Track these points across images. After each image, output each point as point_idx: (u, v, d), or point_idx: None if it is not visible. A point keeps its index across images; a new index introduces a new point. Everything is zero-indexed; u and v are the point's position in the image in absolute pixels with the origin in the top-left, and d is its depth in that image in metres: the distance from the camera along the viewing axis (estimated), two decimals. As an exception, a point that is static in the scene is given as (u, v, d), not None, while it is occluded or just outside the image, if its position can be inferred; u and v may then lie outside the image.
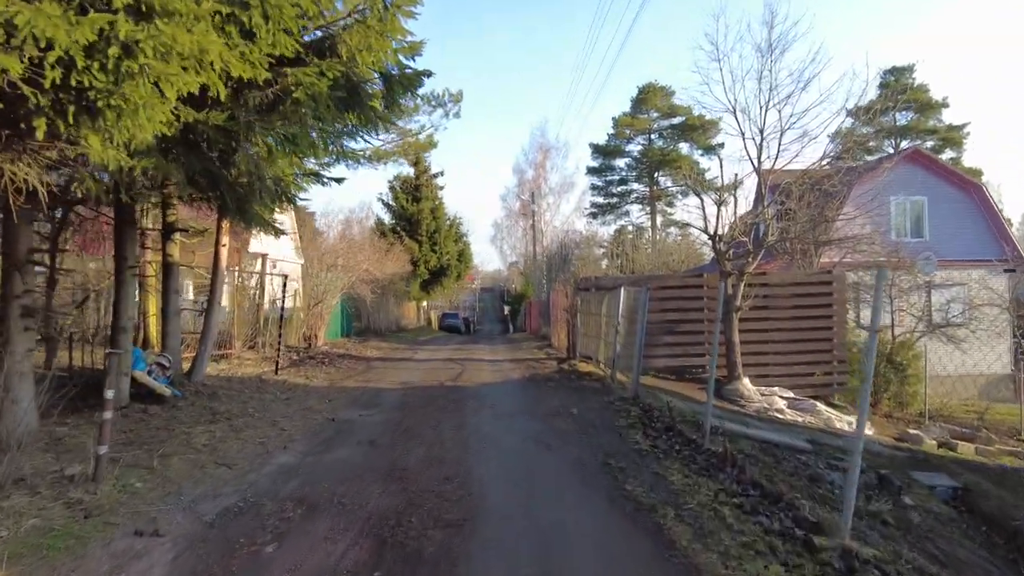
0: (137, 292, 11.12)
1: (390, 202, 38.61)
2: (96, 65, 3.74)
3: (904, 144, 38.54)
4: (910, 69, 42.15)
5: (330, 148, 6.58)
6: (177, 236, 10.04)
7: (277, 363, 11.94)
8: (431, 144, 12.56)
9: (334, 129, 6.36)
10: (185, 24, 3.95)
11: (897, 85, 36.02)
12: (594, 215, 53.23)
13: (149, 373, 8.55)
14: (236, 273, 14.07)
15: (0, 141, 4.06)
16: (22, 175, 4.34)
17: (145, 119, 4.19)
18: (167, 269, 9.94)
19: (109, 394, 4.92)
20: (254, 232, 11.92)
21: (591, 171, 53.08)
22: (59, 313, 9.17)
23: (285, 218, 32.22)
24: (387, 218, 38.65)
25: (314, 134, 5.98)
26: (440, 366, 14.76)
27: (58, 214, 8.58)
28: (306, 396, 9.97)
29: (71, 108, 3.97)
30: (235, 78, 5.30)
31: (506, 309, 70.20)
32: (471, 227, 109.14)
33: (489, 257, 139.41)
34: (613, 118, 51.80)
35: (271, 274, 14.15)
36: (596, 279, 16.24)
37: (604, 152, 52.02)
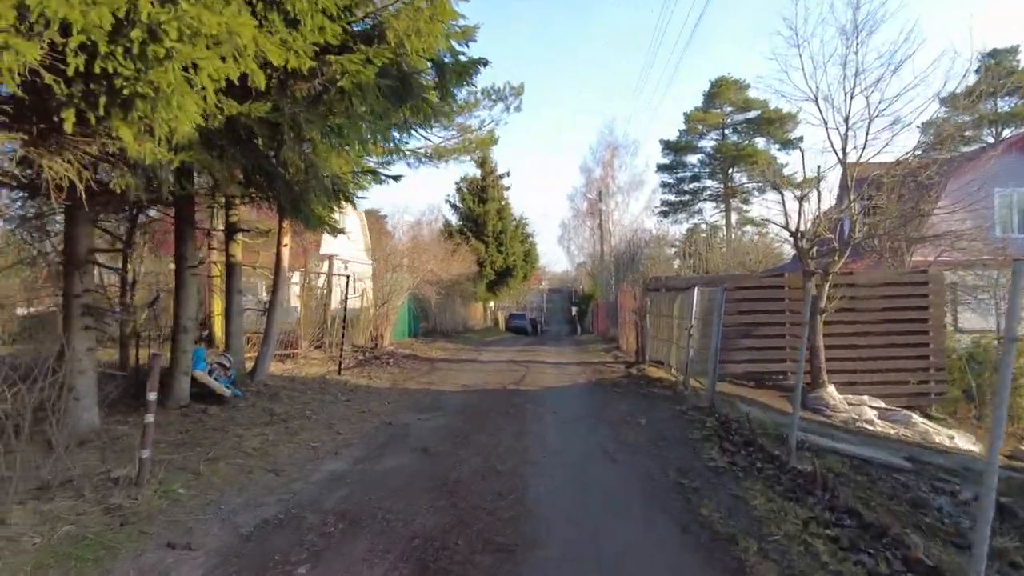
0: (204, 292, 11.31)
1: (457, 203, 38.75)
2: (120, 50, 3.52)
3: (1006, 132, 35.28)
4: (1013, 51, 38.69)
5: (380, 142, 6.28)
6: (240, 237, 10.10)
7: (340, 363, 11.87)
8: (492, 140, 12.21)
9: (385, 122, 6.04)
10: (212, 4, 3.67)
11: (999, 68, 33.01)
12: (665, 213, 51.81)
13: (210, 373, 8.56)
14: (302, 274, 14.18)
15: (33, 134, 3.91)
16: (61, 171, 4.20)
17: (177, 109, 3.96)
18: (230, 269, 10.01)
19: (151, 396, 4.76)
20: (320, 233, 11.90)
21: (661, 168, 51.68)
22: (128, 314, 9.36)
23: (354, 219, 32.90)
24: (454, 219, 38.83)
25: (364, 126, 5.67)
26: (504, 368, 14.39)
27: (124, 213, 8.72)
28: (367, 398, 9.80)
29: (102, 99, 3.78)
30: (279, 68, 5.07)
31: (573, 310, 69.41)
32: (538, 228, 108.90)
33: (557, 258, 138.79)
34: (684, 113, 50.29)
35: (336, 275, 14.18)
36: (666, 279, 15.45)
37: (675, 148, 50.46)
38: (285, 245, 10.29)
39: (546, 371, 13.86)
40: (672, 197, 51.91)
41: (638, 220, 45.66)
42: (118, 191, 4.44)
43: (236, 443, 6.47)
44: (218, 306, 11.13)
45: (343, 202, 8.79)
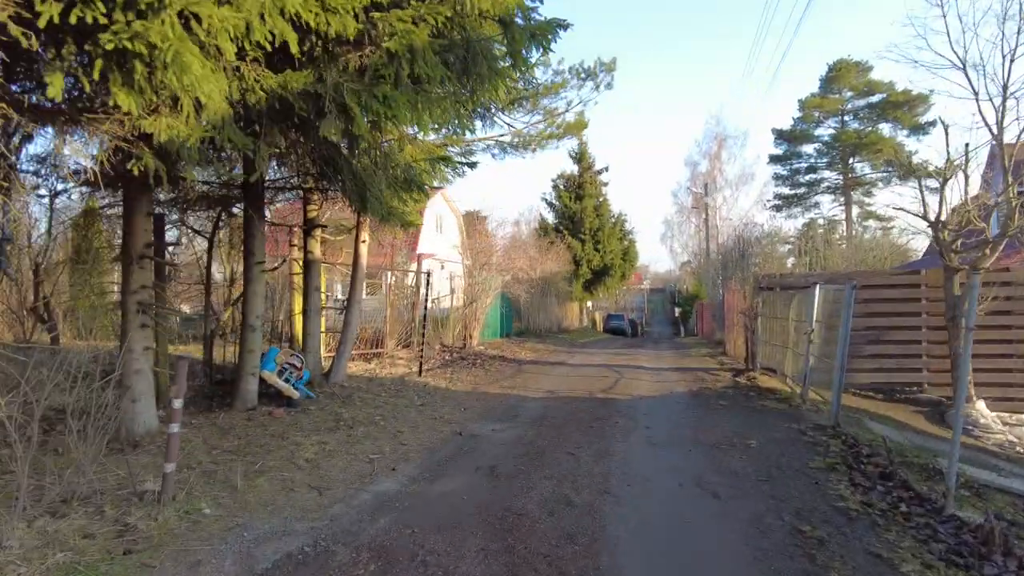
0: (286, 291, 11.14)
1: (553, 201, 37.91)
2: (98, -6, 2.92)
3: None
4: None
5: (446, 120, 5.53)
6: (318, 232, 9.77)
7: (421, 365, 11.35)
8: (581, 124, 11.22)
9: (444, 91, 5.28)
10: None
11: None
12: (778, 208, 48.33)
13: (281, 373, 8.22)
14: (389, 272, 13.86)
15: (24, 107, 3.45)
16: (74, 152, 3.73)
17: (184, 73, 3.36)
18: (308, 266, 9.70)
19: (177, 403, 4.25)
20: (399, 228, 11.50)
21: (774, 159, 48.22)
22: (212, 313, 9.25)
23: (452, 219, 32.89)
24: (551, 217, 38.02)
25: (418, 99, 4.93)
26: (595, 373, 13.38)
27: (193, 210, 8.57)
28: (443, 402, 9.16)
29: (98, 62, 3.24)
30: (320, 33, 4.42)
31: (676, 311, 66.72)
32: (638, 226, 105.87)
33: (658, 257, 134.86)
34: (799, 100, 46.62)
35: (416, 272, 13.72)
36: (780, 276, 13.82)
37: (789, 138, 46.90)
38: (364, 241, 9.87)
39: (641, 377, 12.71)
40: (786, 190, 48.35)
41: (748, 215, 42.84)
42: (136, 173, 3.91)
43: (291, 452, 5.96)
44: (298, 304, 10.91)
45: (416, 192, 8.17)
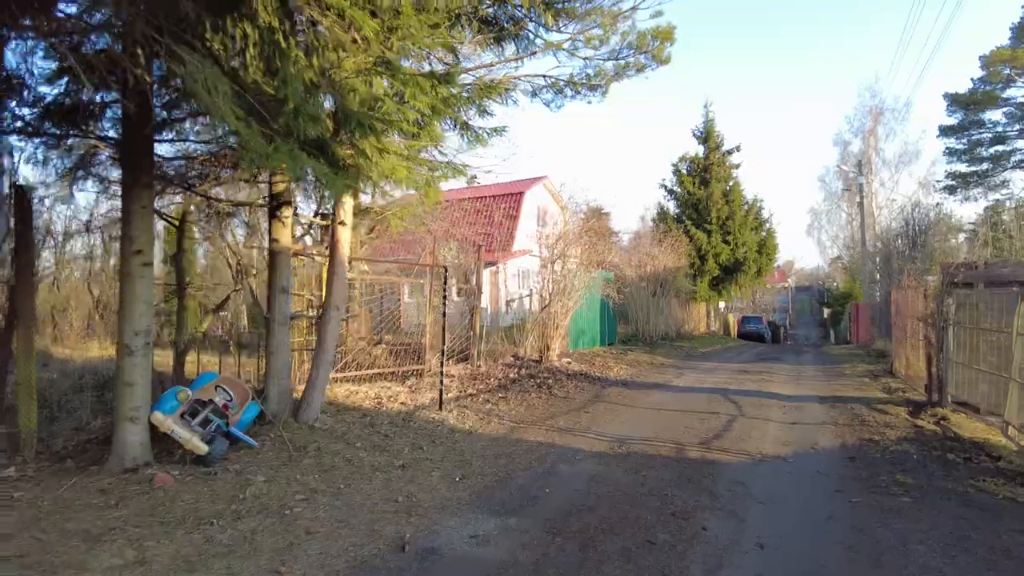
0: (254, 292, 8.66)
1: (674, 187, 33.50)
2: None
3: None
4: None
5: None
6: (287, 213, 7.08)
7: (441, 395, 8.31)
8: (666, 33, 7.57)
9: None
10: None
11: None
12: (951, 189, 40.11)
13: (195, 415, 5.57)
14: (432, 272, 11.01)
15: None
16: None
17: None
18: (273, 259, 7.06)
19: None
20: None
21: (945, 132, 40.06)
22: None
23: (556, 211, 29.77)
24: (671, 206, 33.66)
25: None
26: (700, 405, 9.63)
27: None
28: (439, 461, 6.11)
29: None
30: None
31: (825, 312, 58.82)
32: (779, 216, 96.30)
33: (803, 252, 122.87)
34: (980, 57, 38.11)
35: (431, 266, 10.63)
36: (987, 266, 9.28)
37: (967, 103, 38.63)
38: (342, 223, 7.04)
39: (769, 415, 8.81)
40: (962, 167, 39.99)
41: (913, 199, 35.65)
42: None
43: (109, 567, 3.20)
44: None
45: (371, 136, 5.15)
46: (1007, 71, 36.93)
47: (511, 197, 26.92)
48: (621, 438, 7.18)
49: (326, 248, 7.28)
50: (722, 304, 44.16)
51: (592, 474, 5.73)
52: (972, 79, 38.51)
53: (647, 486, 5.39)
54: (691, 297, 30.64)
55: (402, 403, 8.33)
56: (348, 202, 6.99)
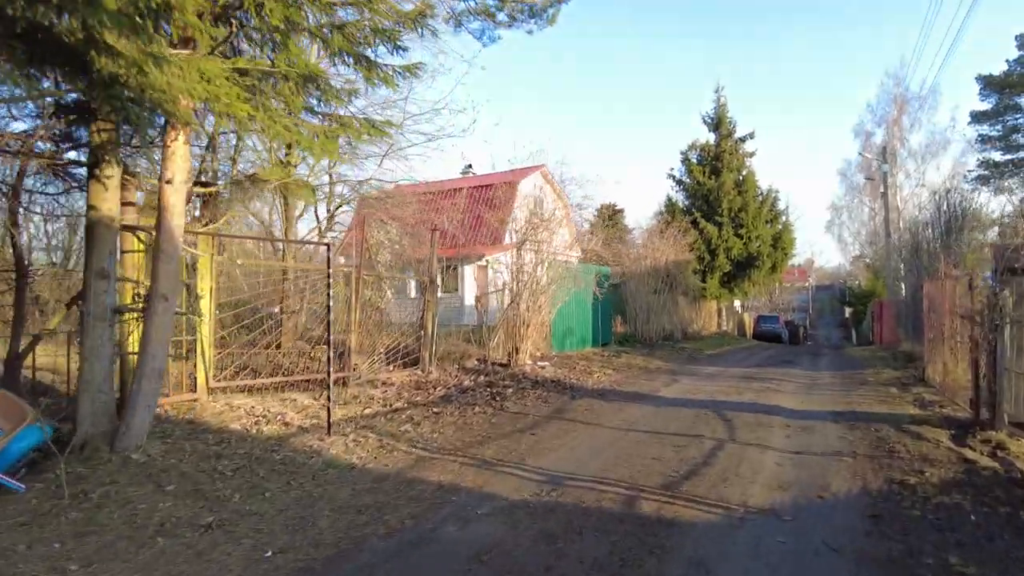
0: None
1: (682, 177, 31.33)
2: None
3: None
4: None
5: None
6: (109, 172, 5.25)
7: (329, 415, 6.39)
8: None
9: None
10: None
11: None
12: (984, 180, 37.36)
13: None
14: (358, 260, 9.16)
15: None
16: None
17: None
18: (89, 234, 5.25)
19: None
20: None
21: (978, 118, 37.42)
22: None
23: (557, 203, 27.84)
24: (680, 197, 31.47)
25: None
26: (683, 425, 7.66)
27: None
28: (276, 514, 4.27)
29: None
30: None
31: (847, 312, 56.17)
32: (800, 212, 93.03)
33: (823, 248, 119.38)
34: (1017, 36, 35.48)
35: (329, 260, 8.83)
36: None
37: (1001, 86, 35.99)
38: (168, 181, 5.19)
39: (767, 440, 6.83)
40: (996, 155, 37.39)
41: (940, 193, 33.08)
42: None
43: None
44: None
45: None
46: (1046, 51, 34.28)
47: (505, 187, 25.07)
48: (559, 476, 5.26)
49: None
50: (737, 303, 41.90)
51: (485, 543, 3.82)
52: (1008, 60, 35.93)
53: (575, 557, 3.50)
54: (700, 295, 28.51)
55: (284, 424, 6.49)
56: (179, 151, 5.14)
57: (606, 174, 72.60)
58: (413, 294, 25.17)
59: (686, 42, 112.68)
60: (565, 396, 9.56)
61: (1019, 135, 36.35)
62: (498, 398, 8.91)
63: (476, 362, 11.78)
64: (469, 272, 24.32)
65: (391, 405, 8.00)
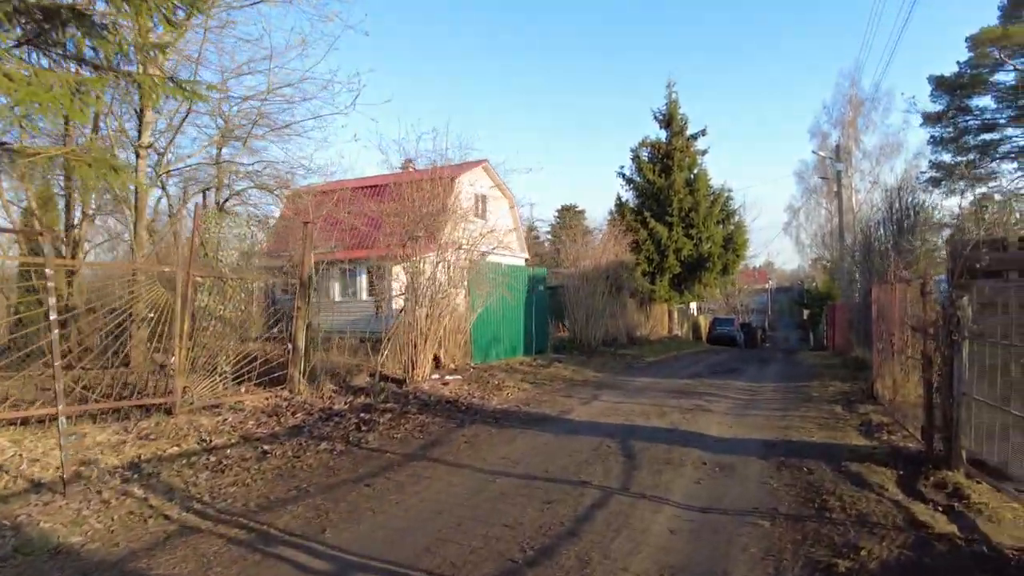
0: None
1: (632, 175, 30.09)
2: None
3: None
4: None
5: None
6: None
7: (63, 467, 4.62)
8: None
9: None
10: None
11: None
12: (936, 181, 37.03)
13: None
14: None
15: None
16: None
17: None
18: None
19: None
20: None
21: (930, 119, 37.06)
22: None
23: (505, 209, 26.29)
24: (630, 196, 30.23)
25: None
26: (572, 464, 6.12)
27: None
28: None
29: None
30: None
31: (805, 314, 55.95)
32: (758, 216, 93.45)
33: (782, 250, 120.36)
34: (967, 38, 35.11)
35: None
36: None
37: (952, 87, 35.70)
38: None
39: (669, 489, 5.33)
40: (946, 158, 37.12)
41: (892, 194, 32.50)
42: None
43: None
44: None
45: None
46: (996, 52, 34.05)
47: (441, 183, 23.36)
48: (353, 563, 3.66)
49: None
50: (693, 305, 40.98)
51: None
52: (959, 62, 35.61)
53: None
54: (650, 297, 27.28)
55: (12, 476, 4.74)
56: None
57: (561, 174, 71.36)
58: (364, 296, 23.33)
59: (640, 40, 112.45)
60: (453, 423, 7.96)
61: (969, 137, 36.09)
62: (363, 428, 7.27)
63: (368, 378, 10.11)
64: (403, 275, 22.62)
65: (211, 442, 6.29)
